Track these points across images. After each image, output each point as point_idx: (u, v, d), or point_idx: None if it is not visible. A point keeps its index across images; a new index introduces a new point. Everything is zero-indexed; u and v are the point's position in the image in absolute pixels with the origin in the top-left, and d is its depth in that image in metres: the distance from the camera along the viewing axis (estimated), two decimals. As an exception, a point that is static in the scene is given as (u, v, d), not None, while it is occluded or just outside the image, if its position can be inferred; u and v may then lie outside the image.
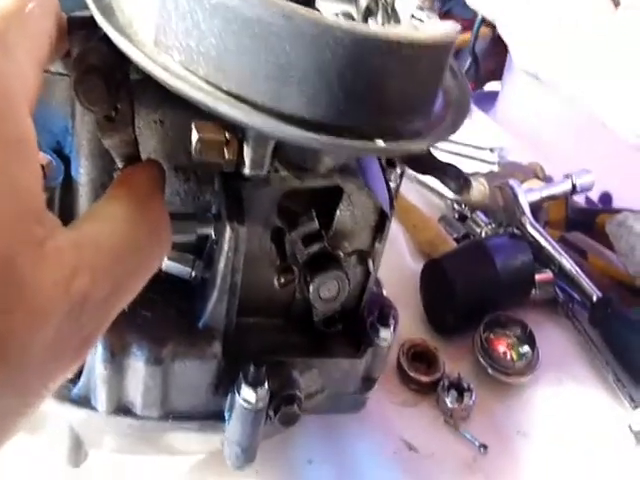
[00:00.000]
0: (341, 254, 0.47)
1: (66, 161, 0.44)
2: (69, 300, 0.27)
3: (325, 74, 0.32)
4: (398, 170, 0.52)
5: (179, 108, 0.42)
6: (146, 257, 0.33)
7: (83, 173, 0.43)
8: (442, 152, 0.94)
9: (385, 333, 0.51)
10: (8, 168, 0.25)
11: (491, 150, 1.05)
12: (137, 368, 0.44)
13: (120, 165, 0.39)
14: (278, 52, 0.31)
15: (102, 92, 0.35)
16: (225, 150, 0.36)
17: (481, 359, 0.67)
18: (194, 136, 0.36)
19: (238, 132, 0.37)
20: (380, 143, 0.34)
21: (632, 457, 0.64)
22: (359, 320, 0.52)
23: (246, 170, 0.37)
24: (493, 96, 1.18)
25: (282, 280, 0.45)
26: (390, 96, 0.34)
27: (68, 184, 0.45)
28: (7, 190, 0.25)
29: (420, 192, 0.94)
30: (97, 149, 0.42)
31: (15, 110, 0.26)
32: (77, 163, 0.43)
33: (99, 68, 0.35)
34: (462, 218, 0.87)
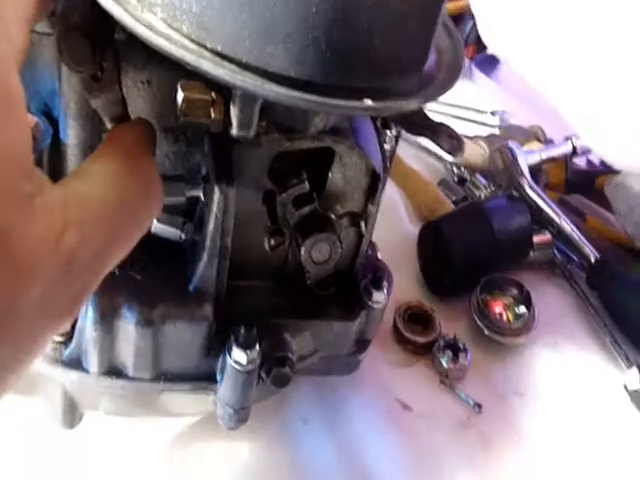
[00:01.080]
0: (333, 217, 0.47)
1: (54, 123, 0.44)
2: (58, 257, 0.27)
3: (311, 30, 0.31)
4: (393, 132, 0.51)
5: (166, 68, 0.41)
6: (136, 214, 0.33)
7: (71, 135, 0.43)
8: (442, 115, 0.93)
9: (378, 296, 0.51)
10: None
11: (492, 113, 1.03)
12: (128, 330, 0.44)
13: (109, 125, 0.39)
14: (262, 7, 0.30)
15: (86, 51, 0.34)
16: (211, 110, 0.36)
17: (477, 320, 0.67)
18: (179, 95, 0.35)
19: (225, 92, 0.36)
20: (368, 102, 0.33)
21: (626, 416, 0.64)
22: (352, 283, 0.52)
23: (233, 131, 0.37)
24: (495, 59, 1.16)
25: (272, 242, 0.45)
26: (378, 53, 0.33)
27: (56, 146, 0.44)
28: None
29: (419, 156, 0.93)
30: (85, 110, 0.41)
31: (1, 68, 0.26)
32: (65, 125, 0.43)
33: (82, 26, 0.34)
34: (461, 181, 0.86)
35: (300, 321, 0.49)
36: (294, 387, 0.57)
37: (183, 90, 0.35)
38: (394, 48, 0.33)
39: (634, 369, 0.63)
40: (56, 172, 0.45)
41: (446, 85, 0.38)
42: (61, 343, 0.47)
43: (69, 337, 0.47)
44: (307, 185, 0.43)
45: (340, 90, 0.33)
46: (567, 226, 0.75)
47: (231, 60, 0.32)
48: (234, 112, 0.36)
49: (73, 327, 0.46)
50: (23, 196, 0.26)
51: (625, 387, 0.64)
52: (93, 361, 0.46)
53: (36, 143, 0.44)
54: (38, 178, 0.27)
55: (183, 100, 0.35)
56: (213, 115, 0.36)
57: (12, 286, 0.25)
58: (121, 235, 0.31)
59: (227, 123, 0.37)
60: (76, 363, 0.47)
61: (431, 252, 0.72)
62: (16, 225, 0.25)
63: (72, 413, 0.51)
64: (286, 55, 0.31)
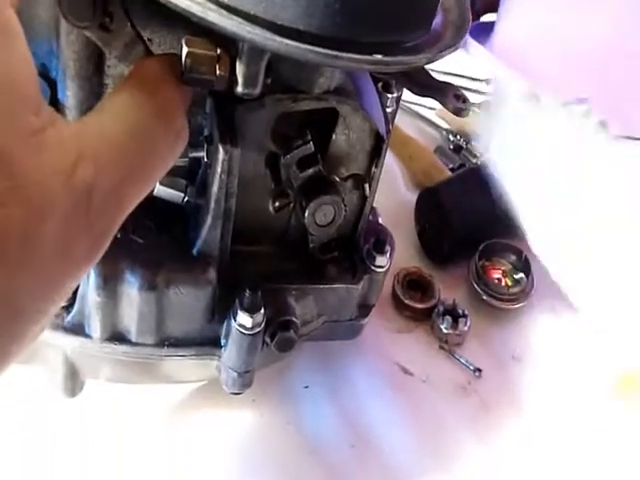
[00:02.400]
0: (337, 179, 0.46)
1: (52, 85, 0.43)
2: (72, 190, 0.25)
3: (319, -19, 0.30)
4: (395, 95, 0.51)
5: (168, 27, 0.40)
6: (156, 147, 0.31)
7: (70, 95, 0.42)
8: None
9: (381, 260, 0.51)
10: None
11: (487, 82, 1.03)
12: (131, 295, 0.44)
13: None
14: (271, -43, 0.30)
15: (87, 4, 0.33)
16: (217, 66, 0.35)
17: (476, 286, 0.67)
18: (184, 51, 0.34)
19: (230, 48, 0.35)
20: (378, 56, 0.33)
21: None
22: (355, 247, 0.52)
23: (239, 88, 0.36)
24: (489, 27, 1.15)
25: (277, 204, 0.44)
26: (388, 7, 0.32)
27: (55, 108, 0.43)
28: None
29: (415, 124, 0.93)
30: (83, 70, 0.40)
31: None
32: (63, 86, 0.42)
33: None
34: (457, 149, 0.86)
35: (304, 286, 0.49)
36: (295, 354, 0.58)
37: (187, 45, 0.34)
38: (406, 3, 0.33)
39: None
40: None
41: (454, 42, 0.38)
42: (63, 308, 0.47)
43: (71, 303, 0.46)
44: (312, 146, 0.42)
45: (349, 44, 0.32)
46: (565, 193, 0.75)
47: (238, 12, 0.31)
48: (240, 69, 0.35)
49: (75, 292, 0.46)
50: (32, 129, 0.24)
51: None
52: (96, 327, 0.46)
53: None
54: (49, 113, 0.26)
55: (187, 55, 0.34)
56: (218, 72, 0.35)
57: (23, 224, 0.24)
58: (142, 167, 0.30)
59: (232, 81, 0.36)
60: (78, 329, 0.46)
61: (429, 219, 0.72)
62: (25, 158, 0.24)
63: (73, 381, 0.51)
64: (295, 7, 0.31)
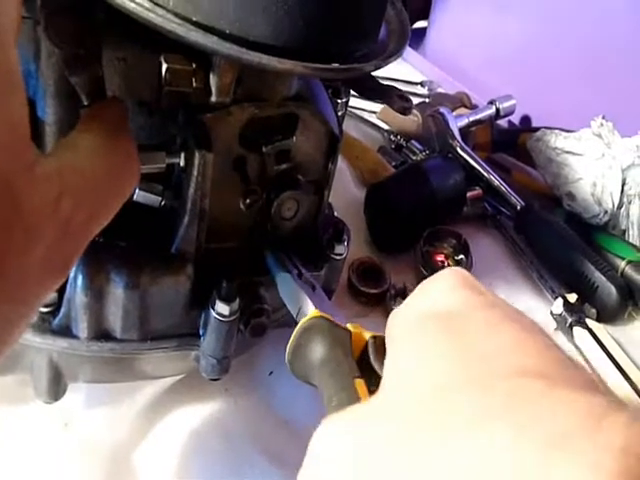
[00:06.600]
0: (300, 177, 0.51)
1: (30, 103, 0.45)
2: (57, 221, 0.30)
3: (285, 2, 0.35)
4: (343, 99, 0.56)
5: (141, 46, 0.44)
6: (119, 186, 0.36)
7: (50, 113, 0.44)
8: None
9: (340, 248, 0.56)
10: (1, 96, 0.27)
11: (421, 84, 1.10)
12: (116, 294, 0.47)
13: (86, 102, 0.41)
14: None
15: (71, 31, 0.37)
16: (193, 79, 0.39)
17: (422, 269, 0.73)
18: (164, 66, 0.38)
19: (203, 62, 0.39)
20: (336, 65, 0.38)
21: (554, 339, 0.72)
22: (315, 239, 0.56)
23: (213, 98, 0.40)
24: (421, 33, 1.23)
25: (248, 201, 0.48)
26: (343, 22, 0.38)
27: (32, 127, 0.46)
28: (2, 117, 0.27)
29: (359, 127, 0.99)
30: (64, 89, 0.43)
31: (4, 40, 0.28)
32: (43, 103, 0.44)
33: (68, 7, 0.37)
34: (398, 147, 0.93)
35: (271, 277, 0.53)
36: (259, 345, 0.61)
37: (166, 61, 0.38)
38: (357, 17, 0.38)
39: (559, 299, 0.72)
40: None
41: (397, 50, 0.43)
42: (49, 313, 0.49)
43: (57, 307, 0.49)
44: (293, 141, 0.46)
45: (311, 55, 0.37)
46: (495, 180, 0.82)
47: (215, 31, 0.35)
48: (214, 80, 0.40)
49: (60, 297, 0.49)
50: (27, 164, 0.28)
51: (551, 313, 0.73)
52: (83, 327, 0.48)
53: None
54: (35, 151, 0.30)
55: (167, 70, 0.38)
56: (195, 84, 0.39)
57: (23, 247, 0.28)
58: (107, 204, 0.35)
59: (206, 91, 0.41)
60: (66, 330, 0.49)
61: (378, 211, 0.78)
62: (24, 191, 0.28)
63: (57, 384, 0.53)
64: (266, 25, 0.35)
